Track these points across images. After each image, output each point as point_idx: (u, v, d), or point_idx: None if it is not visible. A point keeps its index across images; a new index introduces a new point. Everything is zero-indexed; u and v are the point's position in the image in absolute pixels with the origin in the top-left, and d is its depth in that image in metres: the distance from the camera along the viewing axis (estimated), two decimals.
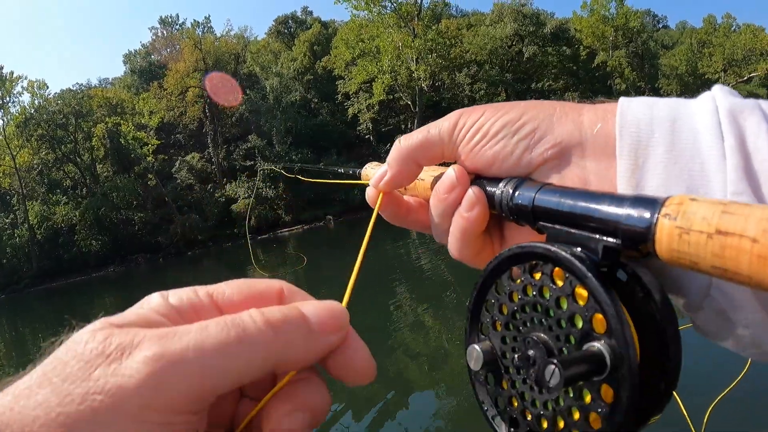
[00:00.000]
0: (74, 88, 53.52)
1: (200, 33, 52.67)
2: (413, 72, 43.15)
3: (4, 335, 21.06)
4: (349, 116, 50.33)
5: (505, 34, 51.15)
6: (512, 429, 0.51)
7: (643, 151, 0.49)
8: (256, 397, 0.46)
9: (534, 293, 0.48)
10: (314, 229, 39.92)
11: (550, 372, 0.41)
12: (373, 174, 0.72)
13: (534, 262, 0.49)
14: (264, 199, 43.14)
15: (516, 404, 0.51)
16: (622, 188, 0.50)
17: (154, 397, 0.36)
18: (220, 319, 0.40)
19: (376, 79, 44.16)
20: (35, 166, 45.66)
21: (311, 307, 0.44)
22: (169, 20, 59.07)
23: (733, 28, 59.32)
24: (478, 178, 0.61)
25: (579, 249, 0.46)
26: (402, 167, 0.66)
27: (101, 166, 47.30)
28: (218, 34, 54.57)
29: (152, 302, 0.45)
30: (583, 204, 0.47)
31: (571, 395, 0.45)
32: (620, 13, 52.68)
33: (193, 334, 0.39)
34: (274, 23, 65.58)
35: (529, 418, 0.49)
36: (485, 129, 0.59)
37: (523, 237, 0.60)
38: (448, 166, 0.65)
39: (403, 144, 0.66)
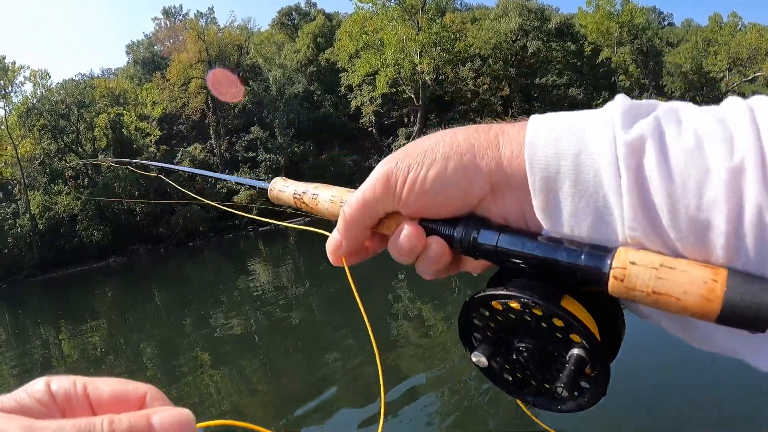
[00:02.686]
0: (77, 79, 53.53)
1: (203, 24, 52.55)
2: (417, 65, 43.07)
3: (6, 325, 21.04)
4: (352, 109, 50.30)
5: (509, 29, 51.02)
6: (524, 390, 0.65)
7: (552, 185, 0.54)
8: None
9: (517, 316, 0.59)
10: (316, 222, 39.76)
11: (560, 390, 0.57)
12: (284, 193, 0.83)
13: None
14: (265, 191, 43.01)
15: (521, 376, 0.64)
16: (540, 218, 0.57)
17: None
18: (76, 421, 0.45)
19: (380, 72, 44.06)
20: (37, 156, 45.63)
21: (160, 417, 0.48)
22: (173, 11, 58.96)
23: (738, 27, 59.16)
24: (425, 220, 0.65)
25: (549, 288, 0.57)
26: (353, 234, 0.69)
27: (103, 156, 47.27)
28: (222, 25, 54.51)
29: (35, 388, 0.49)
30: (543, 252, 0.56)
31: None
32: (625, 10, 52.55)
33: (49, 430, 0.44)
34: (277, 14, 65.67)
35: (533, 383, 0.63)
36: (419, 185, 0.62)
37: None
38: None
39: (347, 215, 0.68)
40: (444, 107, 48.48)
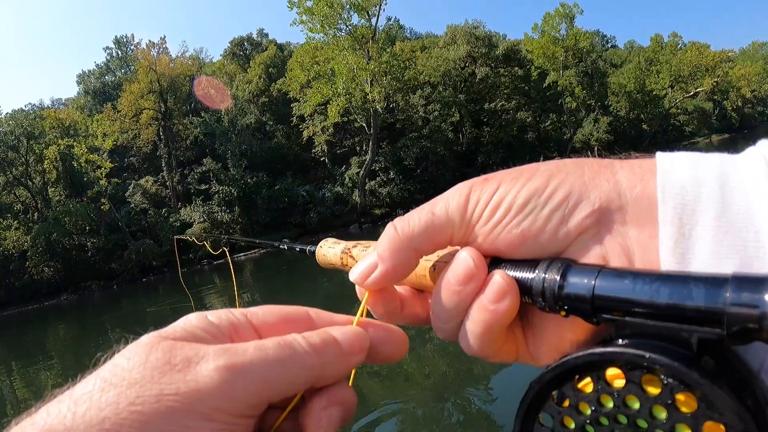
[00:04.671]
0: (26, 109, 52.77)
1: (155, 54, 52.41)
2: (368, 94, 43.49)
3: None
4: (304, 139, 50.44)
5: (458, 56, 52.08)
6: None
7: (689, 217, 0.43)
8: (281, 406, 0.49)
9: (615, 404, 0.41)
10: (271, 252, 39.71)
11: None
12: (333, 250, 0.71)
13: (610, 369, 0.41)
14: (219, 224, 42.92)
15: None
16: (665, 259, 0.44)
17: (224, 401, 0.41)
18: (273, 340, 0.46)
19: (331, 102, 44.38)
20: None
21: (340, 332, 0.50)
22: (124, 40, 58.70)
23: (679, 46, 61.16)
24: (496, 261, 0.51)
25: (675, 347, 0.39)
26: (398, 261, 0.53)
27: (53, 189, 46.50)
28: (174, 56, 54.38)
29: (193, 320, 0.48)
30: (668, 291, 0.39)
31: None
32: (570, 34, 53.92)
33: (254, 350, 0.44)
34: (229, 45, 65.63)
35: None
36: (508, 203, 0.49)
37: (554, 321, 0.49)
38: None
39: (401, 231, 0.53)
40: (395, 135, 49.04)
